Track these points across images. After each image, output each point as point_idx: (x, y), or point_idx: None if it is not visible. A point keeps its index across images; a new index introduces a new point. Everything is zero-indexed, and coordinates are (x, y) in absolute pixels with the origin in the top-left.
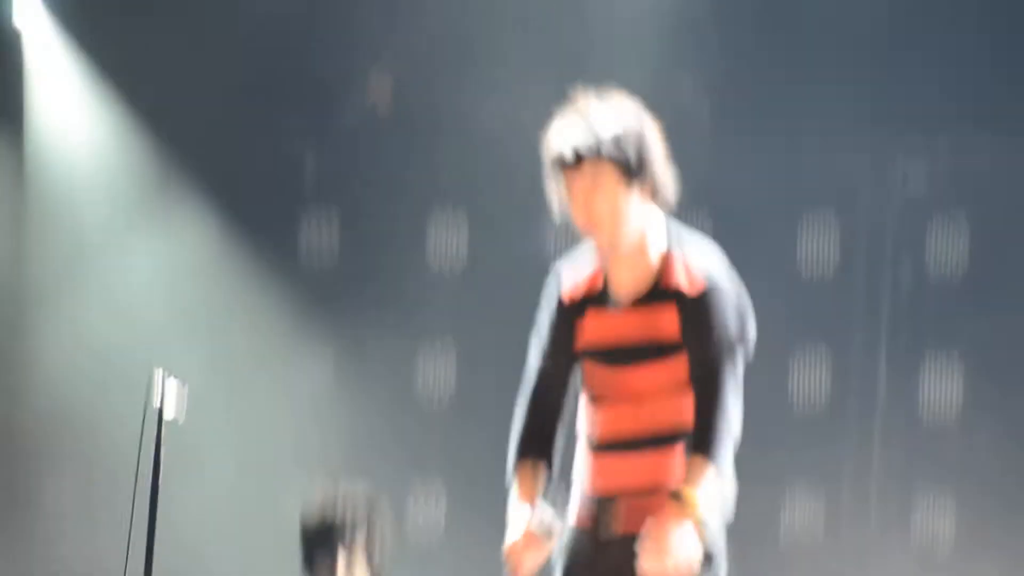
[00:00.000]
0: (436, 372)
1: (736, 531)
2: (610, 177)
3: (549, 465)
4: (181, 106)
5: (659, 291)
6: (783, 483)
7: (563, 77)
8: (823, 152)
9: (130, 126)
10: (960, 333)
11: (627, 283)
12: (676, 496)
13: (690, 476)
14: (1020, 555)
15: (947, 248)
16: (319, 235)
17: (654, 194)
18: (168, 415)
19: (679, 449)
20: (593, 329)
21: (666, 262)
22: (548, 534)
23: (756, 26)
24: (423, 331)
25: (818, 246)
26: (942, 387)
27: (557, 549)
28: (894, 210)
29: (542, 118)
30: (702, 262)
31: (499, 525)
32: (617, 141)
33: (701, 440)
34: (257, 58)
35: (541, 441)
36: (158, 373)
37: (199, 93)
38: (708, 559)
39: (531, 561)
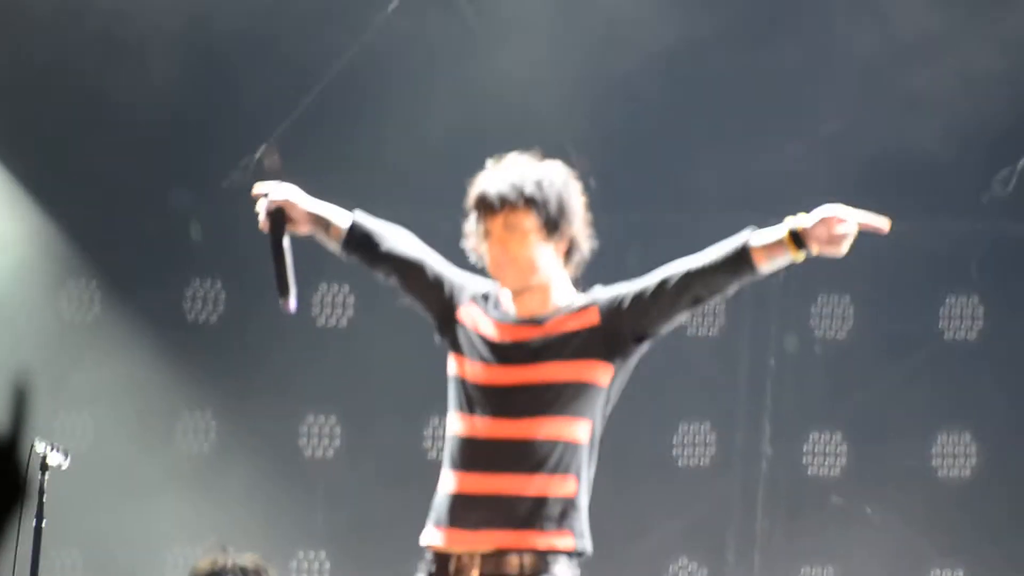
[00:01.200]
0: (320, 436)
1: None
2: (529, 226)
3: (350, 235)
4: (64, 176)
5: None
6: (667, 549)
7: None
8: (713, 225)
9: (11, 195)
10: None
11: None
12: (791, 233)
13: (769, 237)
14: None
15: (831, 321)
16: (203, 299)
17: (568, 253)
18: (47, 485)
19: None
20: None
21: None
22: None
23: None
24: (307, 393)
25: (704, 315)
26: (824, 455)
27: None
28: (778, 282)
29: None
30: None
31: None
32: (541, 193)
33: (732, 243)
34: (146, 127)
35: (364, 234)
36: (39, 443)
37: (82, 161)
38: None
39: (280, 195)
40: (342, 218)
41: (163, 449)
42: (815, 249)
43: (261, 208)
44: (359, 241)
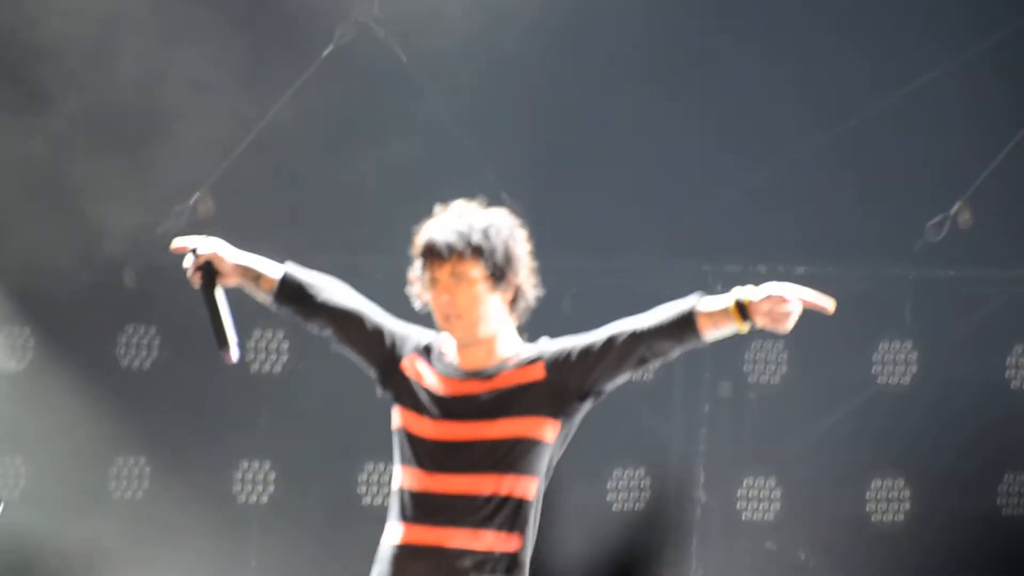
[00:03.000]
0: (255, 482)
1: None
2: (476, 275)
3: (281, 286)
4: None
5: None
6: None
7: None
8: (651, 268)
9: None
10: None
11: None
12: (737, 303)
13: (715, 305)
14: None
15: (765, 366)
16: (137, 345)
17: (514, 302)
18: None
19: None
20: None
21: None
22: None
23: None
24: (240, 440)
25: None
26: (759, 500)
27: None
28: None
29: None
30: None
31: None
32: (487, 243)
33: (679, 307)
34: (77, 172)
35: (297, 286)
36: None
37: (13, 208)
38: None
39: (207, 248)
40: (273, 269)
41: (96, 495)
42: (759, 323)
43: (189, 263)
44: (292, 293)
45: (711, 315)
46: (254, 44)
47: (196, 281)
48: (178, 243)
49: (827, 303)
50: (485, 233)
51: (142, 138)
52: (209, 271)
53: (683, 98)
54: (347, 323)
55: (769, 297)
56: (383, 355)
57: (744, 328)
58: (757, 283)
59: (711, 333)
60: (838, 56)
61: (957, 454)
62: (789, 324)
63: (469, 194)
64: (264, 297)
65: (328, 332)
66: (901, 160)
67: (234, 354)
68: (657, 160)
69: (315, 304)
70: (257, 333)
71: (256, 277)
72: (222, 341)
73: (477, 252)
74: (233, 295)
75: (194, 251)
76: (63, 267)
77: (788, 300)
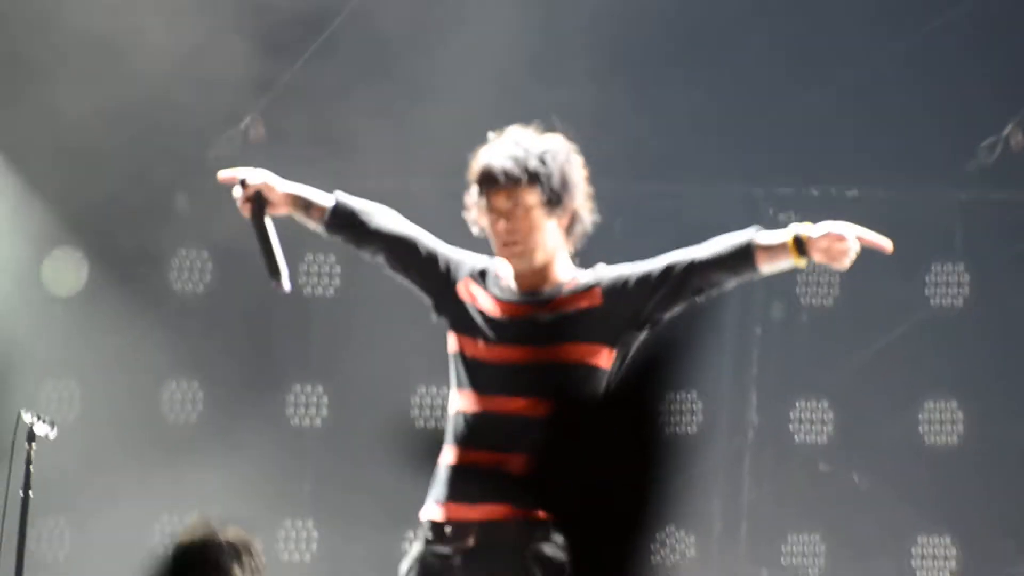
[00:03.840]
0: (307, 405)
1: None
2: (533, 201)
3: (334, 213)
4: (46, 151)
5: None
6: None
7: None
8: (702, 193)
9: None
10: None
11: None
12: (795, 239)
13: (773, 239)
14: None
15: (817, 288)
16: (189, 270)
17: (570, 227)
18: (34, 456)
19: None
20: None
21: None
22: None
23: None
24: (293, 364)
25: None
26: (811, 423)
27: None
28: None
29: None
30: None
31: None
32: (544, 169)
33: (736, 240)
34: (128, 100)
35: (349, 212)
36: (26, 414)
37: (65, 135)
38: None
39: (256, 178)
40: (324, 198)
41: (150, 419)
42: (817, 258)
43: (238, 194)
44: (344, 220)
45: (769, 249)
46: None
47: (246, 211)
48: (225, 174)
49: (885, 242)
50: (541, 159)
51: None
52: (259, 201)
53: (734, 20)
54: (401, 248)
55: (828, 234)
56: (438, 280)
57: (801, 263)
58: (809, 205)
59: (768, 267)
60: None
61: (1010, 376)
62: (847, 262)
63: (524, 120)
64: (316, 225)
65: (381, 258)
66: (953, 82)
67: (285, 284)
68: (708, 84)
69: (368, 230)
70: (309, 257)
71: (307, 205)
72: (273, 271)
73: (534, 178)
74: (287, 221)
75: (243, 182)
76: (116, 192)
77: (846, 238)
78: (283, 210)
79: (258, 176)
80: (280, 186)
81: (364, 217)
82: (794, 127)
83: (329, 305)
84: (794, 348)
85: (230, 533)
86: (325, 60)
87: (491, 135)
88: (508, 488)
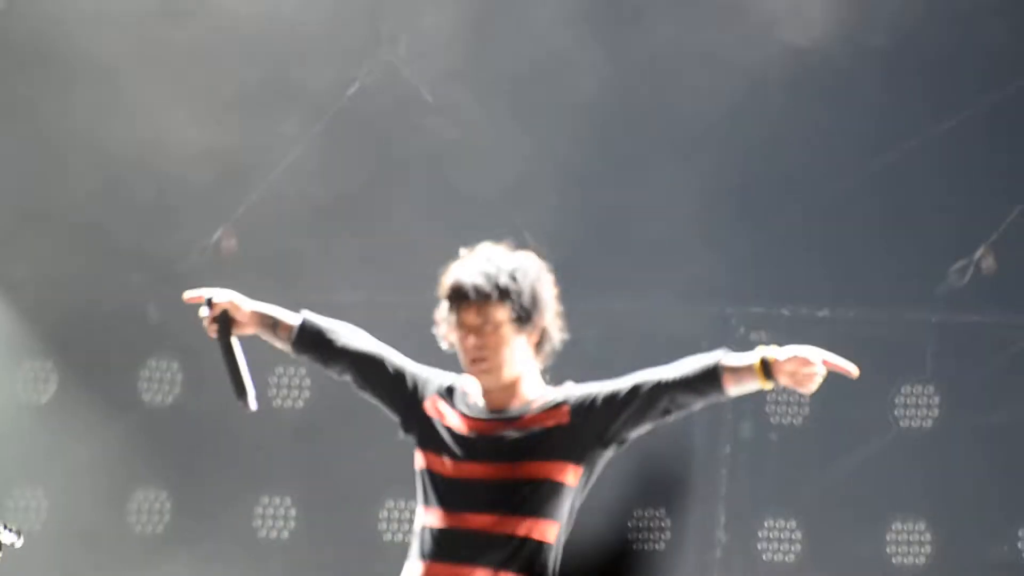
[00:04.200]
0: (275, 517)
1: None
2: (502, 318)
3: (301, 332)
4: (18, 261)
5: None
6: None
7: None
8: (674, 311)
9: None
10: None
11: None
12: (762, 361)
13: (740, 361)
14: None
15: (787, 407)
16: (159, 381)
17: (539, 345)
18: None
19: None
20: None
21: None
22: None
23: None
24: (262, 475)
25: None
26: (779, 542)
27: None
28: None
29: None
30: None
31: None
32: (514, 285)
33: (704, 361)
34: (105, 209)
35: (316, 331)
36: None
37: (37, 245)
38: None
39: (223, 297)
40: (291, 317)
41: (117, 529)
42: (783, 381)
43: (204, 313)
44: (311, 338)
45: (735, 371)
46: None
47: (212, 332)
48: (192, 294)
49: (851, 367)
50: (512, 275)
51: (164, 175)
52: (225, 320)
53: (705, 142)
54: (367, 367)
55: (794, 358)
56: (404, 397)
57: (767, 386)
58: (780, 324)
59: (735, 389)
60: (862, 101)
61: (979, 498)
62: (813, 386)
63: (495, 238)
64: (283, 344)
65: (348, 377)
66: (925, 205)
67: (252, 403)
68: (682, 203)
69: (335, 349)
70: (280, 369)
71: (274, 324)
72: (240, 390)
73: (504, 294)
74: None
75: (209, 301)
76: (86, 302)
77: (813, 363)
78: (250, 329)
79: (224, 295)
80: (246, 305)
81: (331, 336)
82: (767, 247)
83: (298, 417)
84: (763, 467)
85: None
86: (298, 171)
87: (463, 251)
88: None
